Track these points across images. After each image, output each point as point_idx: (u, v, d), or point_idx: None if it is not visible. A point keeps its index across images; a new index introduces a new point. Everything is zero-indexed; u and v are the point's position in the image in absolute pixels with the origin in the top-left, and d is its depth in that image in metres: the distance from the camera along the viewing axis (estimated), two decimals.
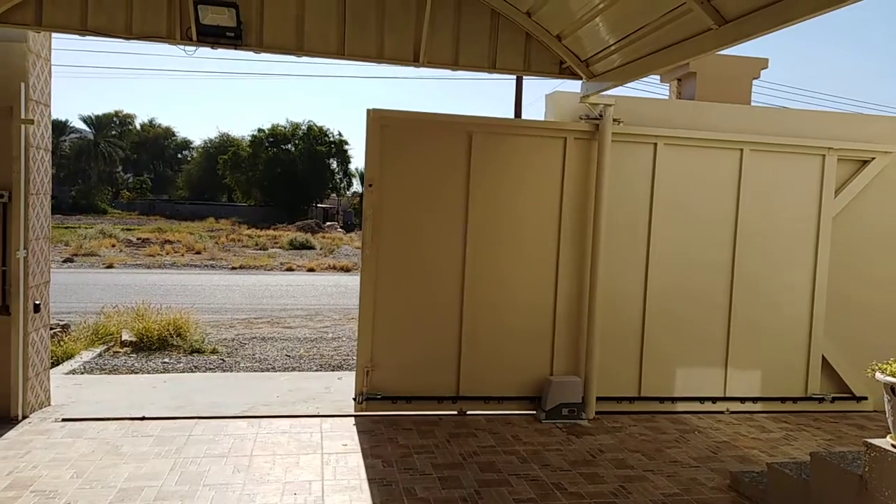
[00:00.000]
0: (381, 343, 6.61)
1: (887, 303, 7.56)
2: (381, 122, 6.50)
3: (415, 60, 6.21)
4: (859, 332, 7.52)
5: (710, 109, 7.22)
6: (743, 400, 7.28)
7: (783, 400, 7.38)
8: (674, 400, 7.14)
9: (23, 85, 5.83)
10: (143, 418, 6.17)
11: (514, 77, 17.30)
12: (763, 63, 8.13)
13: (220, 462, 5.23)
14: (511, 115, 17.65)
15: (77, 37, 5.70)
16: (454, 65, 6.34)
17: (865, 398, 7.52)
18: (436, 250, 6.71)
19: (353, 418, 6.45)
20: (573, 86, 6.93)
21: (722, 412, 7.19)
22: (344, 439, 5.89)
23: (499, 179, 6.77)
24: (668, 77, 8.44)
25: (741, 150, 7.10)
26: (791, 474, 4.67)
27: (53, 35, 6.23)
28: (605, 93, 6.50)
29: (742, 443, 6.34)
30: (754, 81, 8.13)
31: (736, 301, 7.20)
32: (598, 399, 6.88)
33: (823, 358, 7.46)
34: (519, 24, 6.35)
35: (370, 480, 5.02)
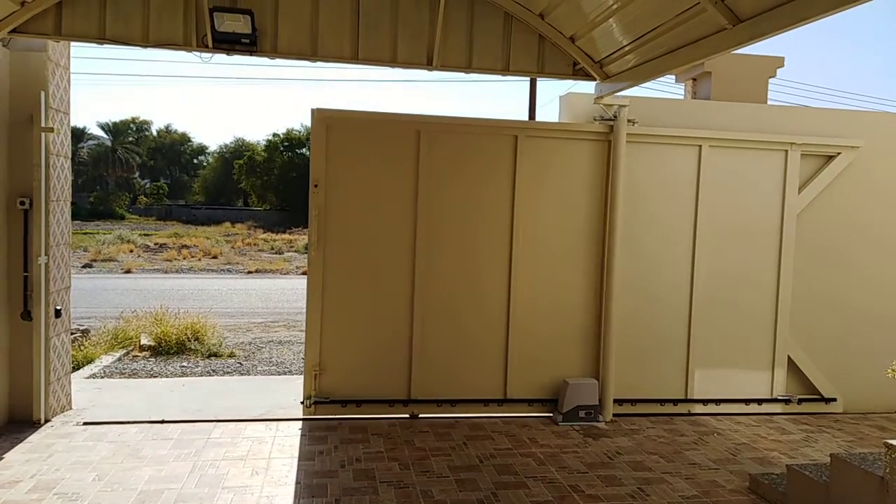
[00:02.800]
0: (330, 346, 6.53)
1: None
2: (326, 122, 6.42)
3: (428, 64, 6.23)
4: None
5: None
6: (705, 402, 7.13)
7: (747, 402, 7.20)
8: (638, 402, 7.00)
9: (43, 94, 5.92)
10: (162, 421, 6.24)
11: (528, 79, 17.30)
12: (779, 62, 8.06)
13: (239, 465, 5.28)
14: (525, 117, 17.65)
15: (95, 45, 5.79)
16: (467, 68, 6.35)
17: (835, 399, 7.36)
18: (385, 251, 6.61)
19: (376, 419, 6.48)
20: (586, 87, 6.93)
21: (684, 414, 7.05)
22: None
23: (450, 178, 6.67)
24: (683, 77, 8.40)
25: (699, 146, 6.97)
26: (811, 476, 4.63)
27: (72, 43, 6.32)
28: (618, 94, 6.49)
29: (761, 444, 6.28)
30: (770, 80, 8.06)
31: (696, 301, 7.06)
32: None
33: (789, 358, 7.29)
34: (532, 27, 6.36)
35: (386, 483, 5.04)
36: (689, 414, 7.06)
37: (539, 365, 6.89)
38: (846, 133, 7.24)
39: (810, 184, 7.23)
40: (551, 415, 6.85)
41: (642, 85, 6.18)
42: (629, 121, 6.76)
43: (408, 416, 6.64)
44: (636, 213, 6.92)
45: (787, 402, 7.28)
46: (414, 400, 6.67)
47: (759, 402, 7.23)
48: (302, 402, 6.56)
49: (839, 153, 7.22)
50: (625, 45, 5.87)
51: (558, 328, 6.93)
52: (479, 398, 6.79)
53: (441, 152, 6.66)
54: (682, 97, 8.02)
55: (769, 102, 7.80)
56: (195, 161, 70.68)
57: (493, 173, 6.77)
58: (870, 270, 7.41)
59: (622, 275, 6.84)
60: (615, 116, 6.73)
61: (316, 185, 6.45)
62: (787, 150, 7.12)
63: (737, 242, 7.14)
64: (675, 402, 7.08)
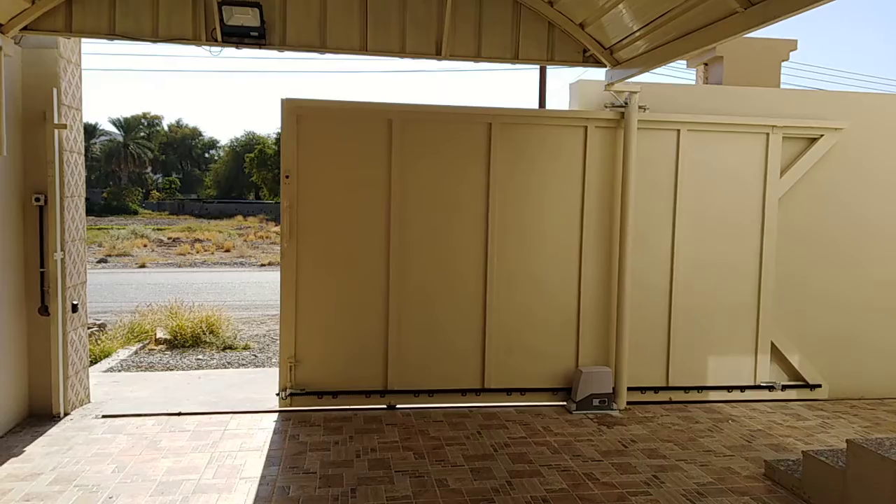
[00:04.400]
0: (305, 337, 6.51)
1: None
2: (296, 112, 6.35)
3: (437, 54, 6.21)
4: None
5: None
6: (687, 389, 7.05)
7: (730, 389, 7.12)
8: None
9: (55, 90, 5.96)
10: (179, 414, 6.30)
11: (538, 67, 17.19)
12: (792, 45, 7.96)
13: (256, 455, 5.33)
14: (535, 105, 17.55)
15: (105, 41, 5.82)
16: (476, 57, 6.32)
17: (819, 386, 7.26)
18: (359, 242, 6.57)
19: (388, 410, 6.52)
20: (595, 74, 6.88)
21: (667, 401, 6.99)
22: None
23: (424, 166, 6.60)
24: (695, 62, 8.32)
25: (678, 130, 6.87)
26: (827, 462, 4.61)
27: (82, 40, 6.35)
28: (629, 80, 6.44)
29: (777, 431, 6.26)
30: (783, 63, 7.96)
31: (676, 287, 6.98)
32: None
33: (773, 345, 7.20)
34: (541, 14, 6.32)
35: (401, 472, 5.08)
36: (671, 402, 6.97)
37: (519, 356, 6.81)
38: (831, 115, 7.11)
39: (792, 167, 7.09)
40: (565, 403, 6.86)
41: (653, 71, 6.13)
42: (640, 107, 6.71)
43: (385, 406, 6.62)
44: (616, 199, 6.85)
45: (770, 388, 7.18)
46: (391, 390, 6.64)
47: (742, 388, 7.14)
48: (277, 395, 6.55)
49: (822, 135, 7.08)
50: (635, 31, 5.82)
51: (547, 317, 6.86)
52: (456, 388, 6.75)
53: (414, 140, 6.58)
54: (710, 83, 7.90)
55: (782, 86, 7.71)
56: (206, 155, 71.00)
57: (468, 161, 6.68)
58: (854, 254, 7.29)
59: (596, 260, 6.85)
60: (626, 103, 6.68)
61: (287, 177, 6.39)
62: (768, 134, 6.99)
63: (717, 228, 7.01)
64: (656, 389, 7.00)
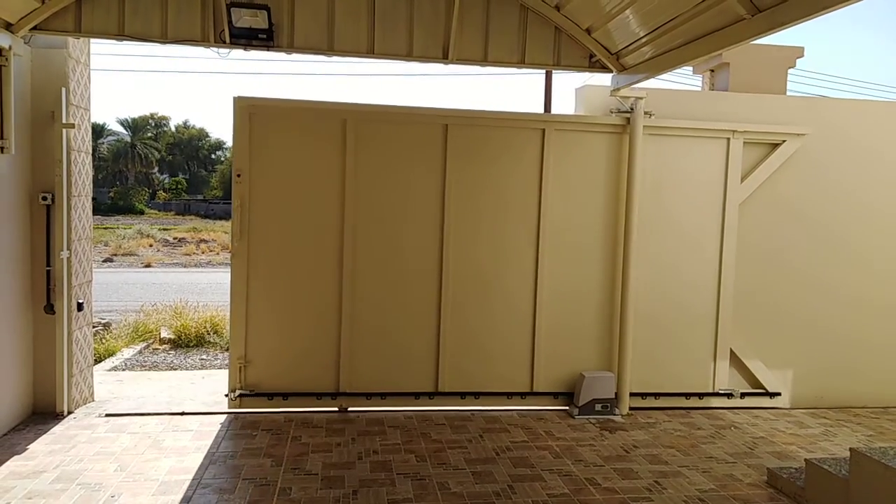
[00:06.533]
0: (255, 338, 6.44)
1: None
2: (248, 111, 6.29)
3: (444, 57, 6.23)
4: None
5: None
6: (644, 396, 6.99)
7: (688, 396, 7.07)
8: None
9: (64, 90, 6.00)
10: (182, 413, 6.32)
11: (543, 72, 17.20)
12: (798, 52, 7.93)
13: (258, 456, 5.34)
14: (541, 109, 17.57)
15: (115, 41, 5.86)
16: (483, 61, 6.34)
17: (779, 394, 7.21)
18: (312, 242, 6.49)
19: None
20: (601, 80, 6.89)
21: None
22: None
23: (379, 167, 6.54)
24: (701, 69, 8.30)
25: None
26: (830, 470, 4.59)
27: (91, 40, 6.39)
28: (635, 86, 6.45)
29: (779, 438, 6.24)
30: (789, 70, 7.94)
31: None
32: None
33: (732, 352, 7.14)
34: (548, 19, 6.33)
35: (402, 475, 5.08)
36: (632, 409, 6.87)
37: (472, 361, 6.76)
38: (796, 120, 7.06)
39: (753, 173, 7.04)
40: (567, 408, 6.85)
41: (658, 77, 6.13)
42: (646, 113, 6.72)
43: (337, 409, 6.56)
44: (559, 200, 6.81)
45: (729, 396, 7.12)
46: (343, 393, 6.59)
47: (701, 395, 7.09)
48: (226, 395, 6.47)
49: (784, 141, 7.04)
50: (641, 37, 5.82)
51: (505, 318, 6.80)
52: (410, 391, 6.69)
53: (369, 142, 6.51)
54: (716, 90, 7.89)
55: (788, 93, 7.69)
56: (213, 156, 71.17)
57: (424, 162, 6.63)
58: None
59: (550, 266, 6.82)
60: (632, 108, 6.68)
61: (239, 175, 6.32)
62: (728, 138, 6.94)
63: (675, 233, 6.96)
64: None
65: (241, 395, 6.44)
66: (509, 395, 6.84)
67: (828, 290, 7.30)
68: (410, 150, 6.62)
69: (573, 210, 6.86)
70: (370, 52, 6.13)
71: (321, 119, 6.48)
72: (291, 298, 6.51)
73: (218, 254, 28.01)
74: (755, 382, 7.22)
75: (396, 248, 6.64)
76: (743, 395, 7.16)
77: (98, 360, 8.47)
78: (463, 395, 6.77)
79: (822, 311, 7.29)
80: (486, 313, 6.80)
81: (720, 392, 7.12)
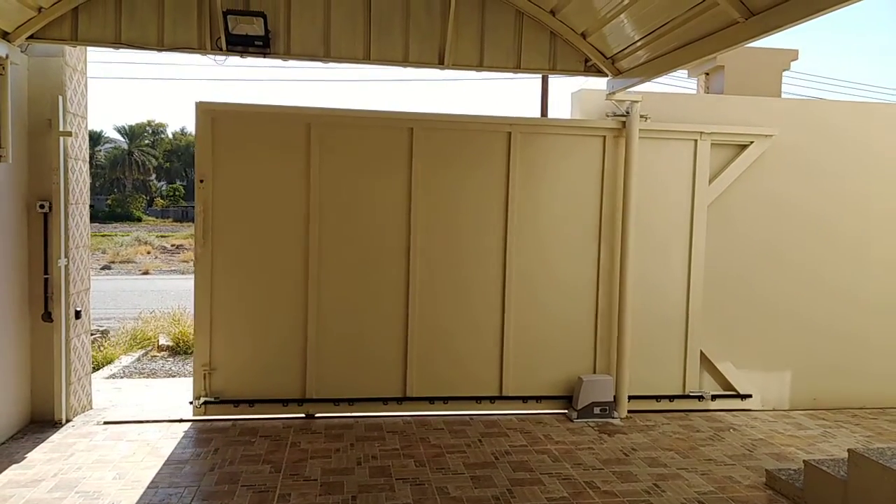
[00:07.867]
0: (220, 345, 6.41)
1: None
2: (211, 115, 6.25)
3: (440, 63, 6.26)
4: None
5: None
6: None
7: (658, 398, 7.02)
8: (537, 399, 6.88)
9: (60, 98, 6.01)
10: (181, 420, 6.31)
11: (539, 76, 17.25)
12: (793, 54, 7.98)
13: (257, 462, 5.33)
14: (538, 114, 17.61)
15: (111, 49, 5.88)
16: (479, 66, 6.36)
17: (750, 396, 7.18)
18: (276, 247, 6.44)
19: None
20: (596, 84, 6.91)
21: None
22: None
23: (344, 172, 6.50)
24: (696, 72, 8.34)
25: (603, 136, 6.82)
26: (828, 471, 4.60)
27: (87, 48, 6.41)
28: (631, 90, 6.47)
29: (778, 440, 6.25)
30: (784, 73, 7.98)
31: (602, 296, 6.91)
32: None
33: (703, 354, 7.13)
34: (543, 24, 6.36)
35: (402, 480, 5.08)
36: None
37: (440, 364, 6.74)
38: (763, 122, 7.07)
39: (721, 174, 7.04)
40: (566, 412, 6.85)
41: (655, 80, 6.16)
42: (642, 116, 6.74)
43: (303, 415, 6.52)
44: (525, 205, 6.80)
45: (700, 398, 7.10)
46: (309, 399, 6.54)
47: (671, 398, 7.07)
48: (191, 403, 6.42)
49: (752, 142, 7.04)
50: (636, 41, 5.85)
51: (476, 319, 6.77)
52: (377, 397, 6.64)
53: (334, 146, 6.47)
54: (711, 92, 7.92)
55: (783, 95, 7.72)
56: None
57: (390, 165, 6.59)
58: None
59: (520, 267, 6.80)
60: (628, 112, 6.71)
61: (202, 181, 6.28)
62: (696, 140, 6.94)
63: (643, 235, 6.92)
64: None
65: (206, 403, 6.38)
66: (478, 399, 6.81)
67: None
68: (376, 154, 6.58)
69: (560, 213, 6.84)
70: (366, 58, 6.16)
71: (285, 123, 6.44)
72: (256, 305, 6.46)
73: None
74: (725, 384, 7.21)
75: (364, 253, 6.60)
76: (714, 397, 7.15)
77: (96, 368, 8.47)
78: (432, 399, 6.73)
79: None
80: (459, 318, 6.77)
81: (691, 395, 7.10)
